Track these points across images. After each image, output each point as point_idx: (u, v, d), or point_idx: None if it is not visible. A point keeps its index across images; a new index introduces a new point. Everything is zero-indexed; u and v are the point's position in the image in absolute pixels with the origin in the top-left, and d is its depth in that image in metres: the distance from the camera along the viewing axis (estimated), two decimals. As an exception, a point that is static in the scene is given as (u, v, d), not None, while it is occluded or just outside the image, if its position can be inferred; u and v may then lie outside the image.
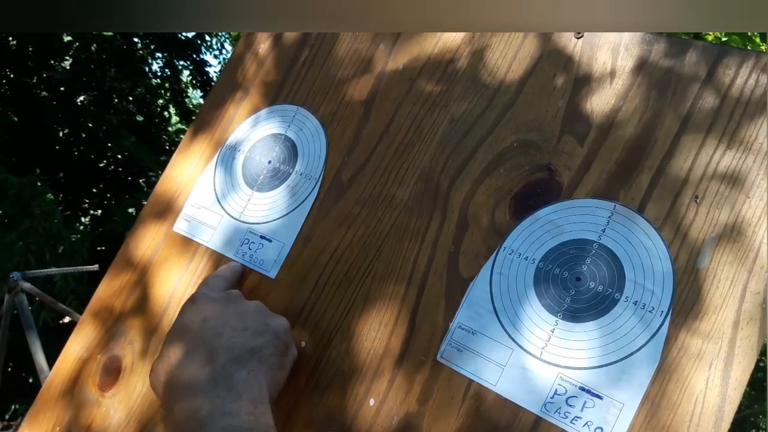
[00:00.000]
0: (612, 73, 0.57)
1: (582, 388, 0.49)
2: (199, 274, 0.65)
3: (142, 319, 0.67)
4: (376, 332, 0.57)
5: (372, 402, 0.55)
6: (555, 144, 0.57)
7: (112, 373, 0.67)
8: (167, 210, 0.70)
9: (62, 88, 4.42)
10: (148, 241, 0.70)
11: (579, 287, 0.52)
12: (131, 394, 0.65)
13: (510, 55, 0.61)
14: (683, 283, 0.49)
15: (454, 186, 0.59)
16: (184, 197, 0.70)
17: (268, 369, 0.52)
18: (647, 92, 0.55)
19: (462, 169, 0.59)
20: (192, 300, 0.58)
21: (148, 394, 0.64)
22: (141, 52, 4.75)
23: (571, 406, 0.49)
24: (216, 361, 0.51)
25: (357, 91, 0.66)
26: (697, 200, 0.51)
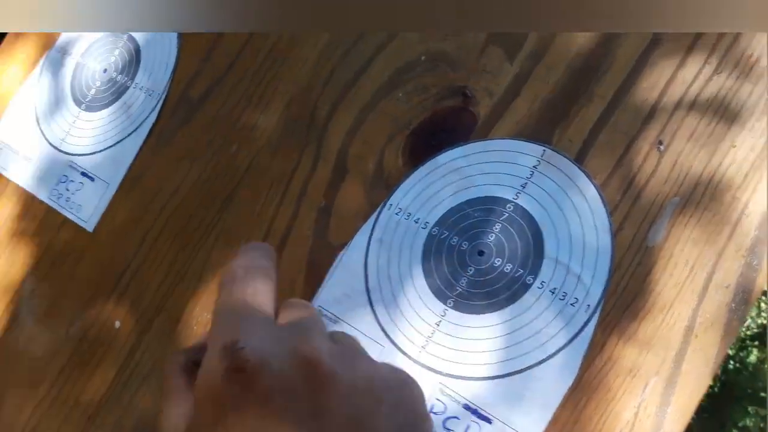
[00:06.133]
0: (558, -44, 0.39)
1: (467, 407, 0.35)
2: (4, 220, 0.50)
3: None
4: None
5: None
6: (477, 57, 0.40)
7: None
8: (-14, 130, 0.54)
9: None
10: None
11: (480, 264, 0.36)
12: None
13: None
14: (624, 266, 0.34)
15: (335, 113, 0.43)
16: None
17: None
18: (605, -16, 0.38)
19: (348, 90, 0.43)
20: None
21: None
22: None
23: (448, 430, 0.35)
24: None
25: (219, -25, 0.48)
26: (662, 147, 0.35)
